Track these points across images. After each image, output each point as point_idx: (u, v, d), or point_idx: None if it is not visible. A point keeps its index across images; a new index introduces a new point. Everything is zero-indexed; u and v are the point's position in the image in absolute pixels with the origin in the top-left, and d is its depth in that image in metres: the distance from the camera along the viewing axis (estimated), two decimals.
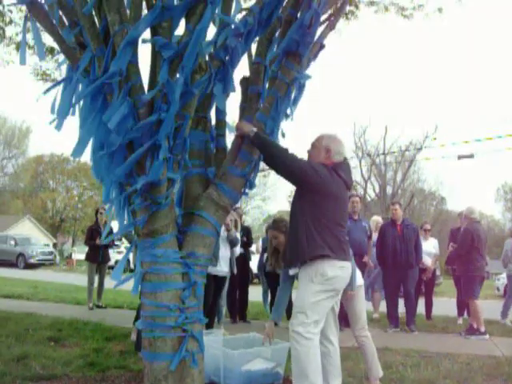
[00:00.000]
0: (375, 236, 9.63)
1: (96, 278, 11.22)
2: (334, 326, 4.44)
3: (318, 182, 4.02)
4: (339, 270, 4.00)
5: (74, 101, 3.98)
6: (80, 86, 4.04)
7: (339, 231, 4.08)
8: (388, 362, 6.00)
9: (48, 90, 4.10)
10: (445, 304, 10.97)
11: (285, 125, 4.58)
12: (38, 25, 4.30)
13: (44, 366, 5.42)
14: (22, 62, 4.35)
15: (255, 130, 4.08)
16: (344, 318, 6.98)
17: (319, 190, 4.04)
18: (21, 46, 4.51)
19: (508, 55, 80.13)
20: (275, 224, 4.99)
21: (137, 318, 7.08)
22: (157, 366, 3.91)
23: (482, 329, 8.30)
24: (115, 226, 23.96)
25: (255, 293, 10.98)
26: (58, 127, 3.99)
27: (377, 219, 10.98)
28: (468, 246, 8.61)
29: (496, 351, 7.09)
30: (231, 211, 8.05)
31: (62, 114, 3.98)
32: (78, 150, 3.86)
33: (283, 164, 4.06)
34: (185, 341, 3.94)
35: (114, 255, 32.34)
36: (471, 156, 24.48)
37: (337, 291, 4.09)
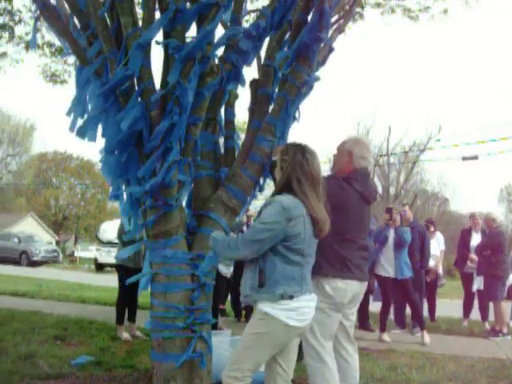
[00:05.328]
0: None
1: None
2: (346, 342, 4.10)
3: None
4: (341, 285, 3.84)
5: (87, 101, 4.02)
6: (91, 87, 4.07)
7: (345, 247, 3.88)
8: (393, 364, 6.02)
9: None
10: (448, 305, 10.94)
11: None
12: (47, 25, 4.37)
13: (51, 364, 5.42)
14: (33, 46, 4.45)
15: None
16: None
17: None
18: (32, 32, 4.58)
19: None
20: None
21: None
22: (165, 367, 3.94)
23: (505, 330, 8.41)
24: (108, 226, 23.55)
25: None
26: (72, 128, 4.02)
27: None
28: (494, 249, 8.77)
29: (500, 353, 7.09)
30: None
31: (75, 115, 4.02)
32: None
33: None
34: (193, 341, 3.97)
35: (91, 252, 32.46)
36: (475, 157, 24.48)
37: (340, 305, 3.88)
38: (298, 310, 3.16)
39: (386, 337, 7.73)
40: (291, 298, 3.11)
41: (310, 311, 3.28)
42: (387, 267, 7.80)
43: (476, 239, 9.74)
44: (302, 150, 3.25)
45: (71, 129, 4.01)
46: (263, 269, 3.13)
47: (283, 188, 3.23)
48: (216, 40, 4.16)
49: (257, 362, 3.25)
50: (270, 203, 3.15)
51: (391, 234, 7.88)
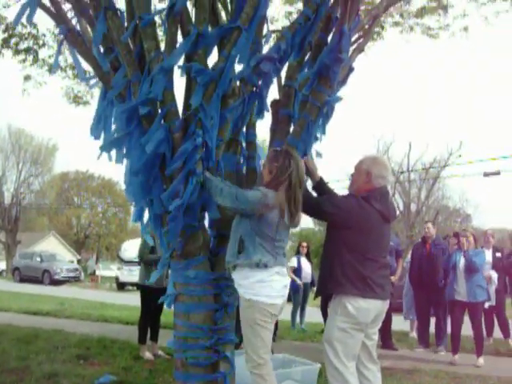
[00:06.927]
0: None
1: None
2: (369, 361, 4.04)
3: (339, 215, 3.89)
4: (364, 304, 3.82)
5: (111, 123, 4.10)
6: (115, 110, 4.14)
7: (367, 266, 3.86)
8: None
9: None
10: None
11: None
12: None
13: None
14: (55, 68, 4.55)
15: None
16: None
17: (342, 223, 3.90)
18: (55, 55, 4.72)
19: None
20: None
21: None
22: None
23: None
24: (129, 245, 23.74)
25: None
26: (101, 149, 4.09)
27: None
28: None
29: None
30: None
31: (98, 136, 4.10)
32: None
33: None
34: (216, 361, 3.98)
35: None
36: (497, 173, 24.19)
37: (363, 325, 3.86)
38: (272, 284, 3.63)
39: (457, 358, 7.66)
40: (266, 266, 3.60)
41: (284, 288, 3.77)
42: (459, 290, 7.64)
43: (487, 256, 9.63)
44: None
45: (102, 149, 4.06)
46: (243, 239, 3.63)
47: None
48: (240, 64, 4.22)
49: (266, 343, 3.65)
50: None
51: (462, 258, 7.72)
